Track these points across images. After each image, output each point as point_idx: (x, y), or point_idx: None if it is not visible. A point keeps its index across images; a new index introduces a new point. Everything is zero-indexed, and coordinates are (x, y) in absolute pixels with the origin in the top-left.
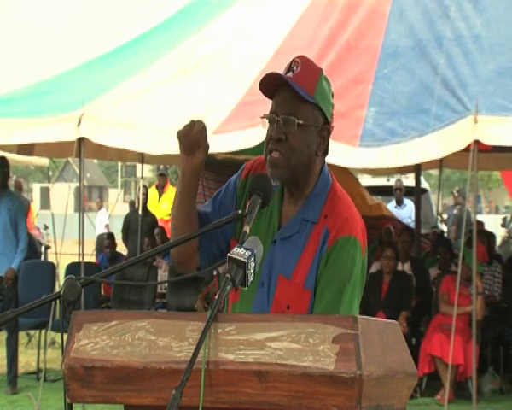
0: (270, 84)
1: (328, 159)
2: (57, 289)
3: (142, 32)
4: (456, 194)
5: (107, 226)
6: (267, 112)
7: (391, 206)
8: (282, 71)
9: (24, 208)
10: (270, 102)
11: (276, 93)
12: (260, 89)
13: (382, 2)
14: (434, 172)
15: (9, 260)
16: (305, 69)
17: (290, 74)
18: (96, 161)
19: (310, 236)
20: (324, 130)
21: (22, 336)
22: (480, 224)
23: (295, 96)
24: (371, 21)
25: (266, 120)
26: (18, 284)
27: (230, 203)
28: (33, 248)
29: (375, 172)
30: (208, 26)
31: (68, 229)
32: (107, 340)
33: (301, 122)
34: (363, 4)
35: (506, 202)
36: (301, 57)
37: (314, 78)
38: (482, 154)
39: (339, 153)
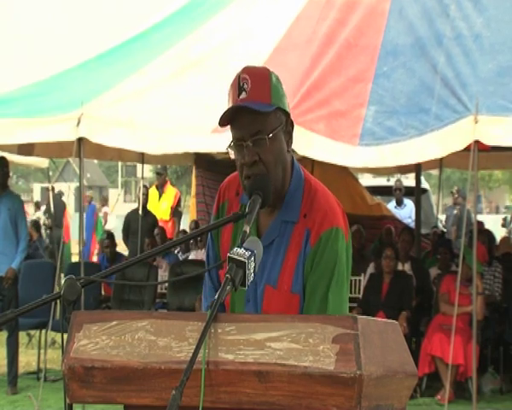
0: (227, 117)
1: (329, 159)
2: (57, 289)
3: (141, 31)
4: (456, 194)
5: None
6: None
7: (391, 206)
8: (235, 90)
9: (23, 208)
10: None
11: (234, 120)
12: (220, 122)
13: None
14: (434, 172)
15: (10, 260)
16: (255, 82)
17: (244, 95)
18: (96, 161)
19: (291, 237)
20: (288, 124)
21: (22, 336)
22: (480, 224)
23: (256, 115)
24: (371, 19)
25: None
26: (18, 284)
27: (214, 258)
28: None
29: (375, 172)
30: (206, 25)
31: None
32: (107, 340)
33: (271, 135)
34: (362, 2)
35: (506, 202)
36: (246, 70)
37: (266, 84)
38: (482, 153)
39: (338, 152)
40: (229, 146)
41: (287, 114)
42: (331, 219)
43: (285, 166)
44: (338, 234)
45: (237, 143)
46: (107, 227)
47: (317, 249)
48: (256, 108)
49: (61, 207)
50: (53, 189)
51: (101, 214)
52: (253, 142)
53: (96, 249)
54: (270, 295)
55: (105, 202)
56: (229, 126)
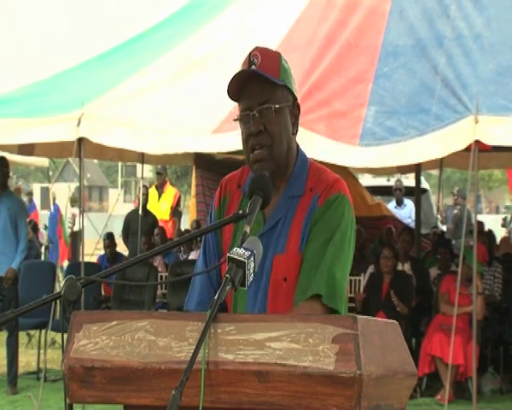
0: (236, 84)
1: (329, 159)
2: (57, 289)
3: (142, 31)
4: (456, 195)
5: None
6: None
7: (391, 206)
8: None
9: (25, 209)
10: None
11: (243, 91)
12: (228, 91)
13: (382, 0)
14: (434, 172)
15: (9, 260)
16: (265, 58)
17: (253, 68)
18: (96, 161)
19: (296, 208)
20: (295, 107)
21: (22, 336)
22: (480, 224)
23: (264, 85)
24: (371, 20)
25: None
26: (18, 284)
27: (216, 245)
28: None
29: (375, 172)
30: (207, 26)
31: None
32: (107, 340)
33: (277, 106)
34: (362, 3)
35: (506, 202)
36: (258, 49)
37: (276, 62)
38: (483, 153)
39: (339, 152)
40: (238, 116)
41: (294, 98)
42: (339, 187)
43: (290, 145)
44: (345, 200)
45: (244, 113)
46: (75, 229)
47: (322, 208)
48: (264, 75)
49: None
50: (19, 190)
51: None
52: (260, 111)
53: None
54: (278, 262)
55: (73, 202)
56: (230, 128)
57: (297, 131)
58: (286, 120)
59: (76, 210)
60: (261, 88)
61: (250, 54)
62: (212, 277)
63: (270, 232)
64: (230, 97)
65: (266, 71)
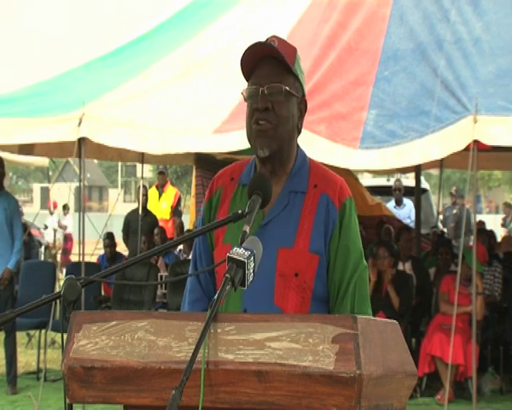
0: (251, 60)
1: (329, 161)
2: (57, 289)
3: (143, 33)
4: (454, 195)
5: None
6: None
7: (390, 206)
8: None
9: (19, 208)
10: None
11: (257, 67)
12: (242, 64)
13: (382, 4)
14: (434, 172)
15: (5, 261)
16: (282, 44)
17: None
18: (96, 161)
19: (303, 205)
20: (303, 102)
21: (22, 336)
22: (481, 223)
23: (280, 67)
24: (372, 23)
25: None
26: (15, 284)
27: (203, 243)
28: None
29: (375, 172)
30: (209, 27)
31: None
32: (107, 340)
33: (288, 89)
34: (363, 6)
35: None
36: (275, 36)
37: (292, 52)
38: (482, 153)
39: (339, 155)
40: (246, 89)
41: (303, 93)
42: (347, 190)
43: (292, 137)
44: (353, 204)
45: (253, 87)
46: None
47: (342, 215)
48: (281, 55)
49: None
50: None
51: None
52: (270, 89)
53: None
54: (285, 256)
55: None
56: (231, 128)
57: (301, 127)
58: (293, 108)
59: None
60: (275, 69)
61: (267, 38)
62: (200, 279)
63: (270, 224)
64: (243, 71)
65: (284, 53)
